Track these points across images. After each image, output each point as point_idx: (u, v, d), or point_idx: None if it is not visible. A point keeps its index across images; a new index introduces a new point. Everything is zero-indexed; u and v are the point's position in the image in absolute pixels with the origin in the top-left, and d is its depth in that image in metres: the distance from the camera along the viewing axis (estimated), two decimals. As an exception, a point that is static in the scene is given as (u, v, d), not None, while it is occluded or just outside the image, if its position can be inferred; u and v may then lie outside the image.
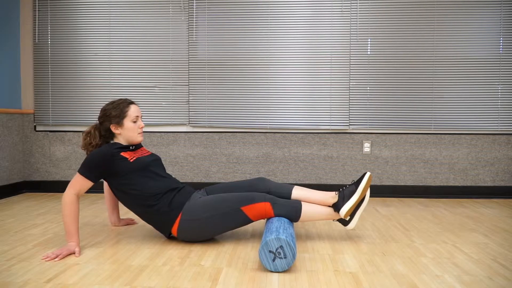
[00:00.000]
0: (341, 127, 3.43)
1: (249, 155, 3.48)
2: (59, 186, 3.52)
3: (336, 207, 2.06)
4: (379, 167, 3.45)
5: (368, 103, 3.43)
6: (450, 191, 3.42)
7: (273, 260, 1.70)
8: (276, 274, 1.67)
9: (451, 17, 3.37)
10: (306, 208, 2.04)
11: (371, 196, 3.42)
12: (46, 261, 1.81)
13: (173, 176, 3.50)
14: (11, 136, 3.41)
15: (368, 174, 2.04)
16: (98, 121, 2.16)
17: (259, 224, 2.51)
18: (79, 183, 1.95)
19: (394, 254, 1.93)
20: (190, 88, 3.48)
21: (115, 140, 2.16)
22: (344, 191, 2.06)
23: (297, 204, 2.04)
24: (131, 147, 2.15)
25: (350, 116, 3.43)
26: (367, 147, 3.44)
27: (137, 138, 2.15)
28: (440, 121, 3.40)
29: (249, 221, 2.01)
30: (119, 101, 2.14)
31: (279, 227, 1.80)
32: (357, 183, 2.05)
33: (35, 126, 3.57)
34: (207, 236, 2.08)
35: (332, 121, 3.44)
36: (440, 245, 2.08)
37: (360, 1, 3.40)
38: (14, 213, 2.73)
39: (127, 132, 2.12)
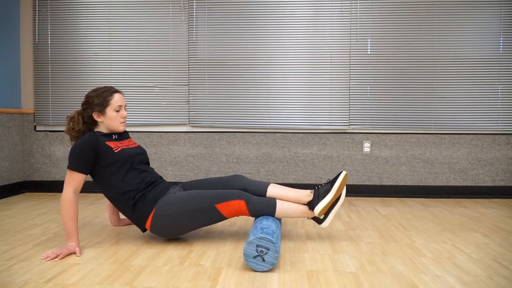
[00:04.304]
0: (341, 127, 3.43)
1: (249, 155, 3.48)
2: (59, 186, 3.51)
3: (311, 205, 2.05)
4: (379, 167, 3.45)
5: (368, 103, 3.43)
6: (450, 191, 3.42)
7: (263, 260, 1.69)
8: (276, 274, 1.67)
9: (451, 17, 3.37)
10: (280, 206, 2.04)
11: (371, 196, 3.42)
12: (46, 261, 1.81)
13: (173, 175, 3.51)
14: (11, 136, 3.41)
15: (343, 173, 2.04)
16: (81, 107, 2.14)
17: (259, 224, 2.51)
18: (73, 179, 1.95)
19: (394, 254, 1.93)
20: (190, 88, 3.48)
21: (97, 128, 2.15)
22: (319, 190, 2.06)
23: (272, 202, 2.04)
24: (114, 136, 2.14)
25: (350, 116, 3.43)
26: (367, 147, 3.44)
27: (119, 128, 2.13)
28: (440, 121, 3.40)
29: (223, 218, 2.01)
30: (103, 89, 2.11)
31: (250, 233, 1.79)
32: (332, 182, 2.05)
33: (35, 126, 3.57)
34: (181, 232, 2.07)
35: (332, 121, 3.44)
36: (440, 245, 2.08)
37: (360, 1, 3.40)
38: (14, 213, 2.73)
39: (109, 121, 2.10)
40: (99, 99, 2.08)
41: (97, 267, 1.74)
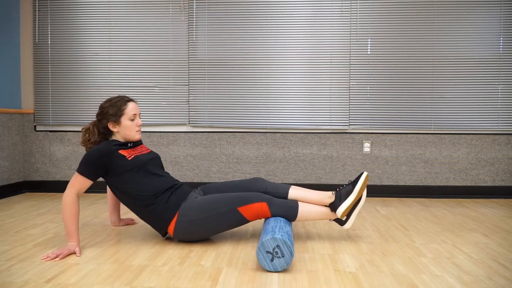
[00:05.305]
0: (341, 127, 3.43)
1: (249, 155, 3.48)
2: (59, 186, 3.52)
3: (333, 207, 2.06)
4: (379, 167, 3.45)
5: (368, 103, 3.43)
6: (450, 191, 3.42)
7: (271, 260, 1.70)
8: (276, 274, 1.67)
9: (451, 17, 3.37)
10: (302, 208, 2.04)
11: (371, 196, 3.42)
12: (46, 261, 1.81)
13: (173, 175, 3.50)
14: (11, 136, 3.41)
15: (365, 174, 2.04)
16: (96, 118, 2.16)
17: (259, 224, 2.51)
18: (78, 182, 1.96)
19: (394, 254, 1.93)
20: (190, 88, 3.48)
21: (113, 137, 2.16)
22: (341, 191, 2.06)
23: (294, 204, 2.04)
24: (129, 144, 2.14)
25: (350, 116, 3.43)
26: (367, 147, 3.44)
27: (135, 136, 2.14)
28: (440, 121, 3.40)
29: (246, 221, 2.01)
30: (116, 98, 2.12)
31: (275, 227, 1.80)
32: (354, 183, 2.05)
33: (35, 126, 3.57)
34: (204, 236, 2.08)
35: (332, 121, 3.44)
36: (440, 245, 2.08)
37: (360, 1, 3.40)
38: (14, 213, 2.73)
39: (125, 130, 2.11)
40: (113, 109, 2.09)
41: (97, 267, 1.74)
